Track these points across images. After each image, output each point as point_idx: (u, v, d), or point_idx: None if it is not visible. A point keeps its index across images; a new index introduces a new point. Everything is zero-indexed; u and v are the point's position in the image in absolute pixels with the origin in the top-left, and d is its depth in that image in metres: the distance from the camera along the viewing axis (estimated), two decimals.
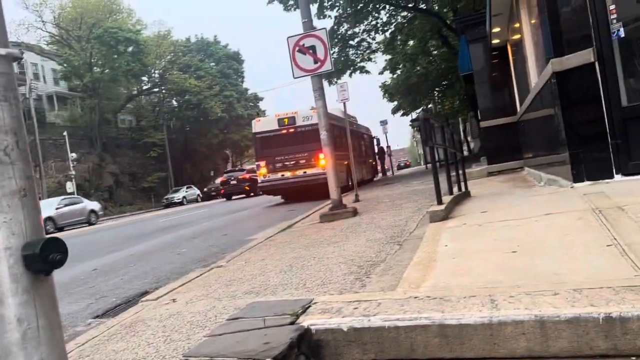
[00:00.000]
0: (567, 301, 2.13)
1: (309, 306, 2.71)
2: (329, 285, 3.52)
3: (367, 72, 31.26)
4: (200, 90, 49.48)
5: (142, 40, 45.32)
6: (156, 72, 51.22)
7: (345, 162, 15.90)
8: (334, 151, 8.40)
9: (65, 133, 37.93)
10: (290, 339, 2.27)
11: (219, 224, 12.54)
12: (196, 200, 40.43)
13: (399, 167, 63.15)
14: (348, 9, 26.69)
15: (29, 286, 1.25)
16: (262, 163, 16.80)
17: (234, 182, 29.36)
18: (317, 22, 30.38)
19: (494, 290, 2.47)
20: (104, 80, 44.07)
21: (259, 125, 17.16)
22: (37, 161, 32.58)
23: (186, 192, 41.88)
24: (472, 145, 42.00)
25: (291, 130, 16.49)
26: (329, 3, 26.38)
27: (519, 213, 4.87)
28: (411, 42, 31.49)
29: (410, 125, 47.60)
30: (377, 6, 27.54)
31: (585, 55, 5.61)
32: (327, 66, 8.19)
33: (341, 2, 26.29)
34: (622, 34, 5.44)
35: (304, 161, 16.15)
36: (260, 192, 20.08)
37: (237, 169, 34.62)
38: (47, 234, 1.35)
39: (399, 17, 29.48)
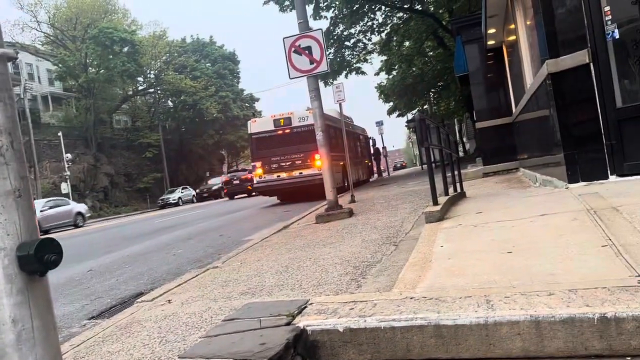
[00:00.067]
0: (562, 301, 2.14)
1: (305, 307, 2.71)
2: (324, 286, 3.52)
3: (363, 73, 31.34)
4: (196, 91, 49.41)
5: (137, 40, 45.19)
6: (152, 72, 51.11)
7: (341, 163, 15.90)
8: (329, 152, 8.41)
9: (60, 133, 37.81)
10: (286, 339, 2.27)
11: (214, 224, 12.52)
12: (191, 201, 40.40)
13: (395, 168, 63.34)
14: (344, 9, 26.74)
15: (23, 287, 1.24)
16: (258, 164, 16.79)
17: (237, 182, 30.20)
18: (313, 23, 30.34)
19: (490, 291, 2.47)
20: (99, 81, 43.91)
21: (254, 126, 17.15)
22: (31, 162, 32.44)
23: (182, 192, 41.76)
24: (467, 146, 42.13)
25: (287, 131, 16.48)
26: (325, 4, 26.44)
27: (515, 214, 4.88)
28: (407, 43, 31.57)
29: (406, 126, 47.70)
30: (373, 7, 27.61)
31: (580, 57, 5.64)
32: (323, 67, 8.19)
33: (337, 3, 26.33)
34: (616, 35, 5.47)
35: (299, 162, 16.15)
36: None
37: (240, 169, 35.28)
38: None
39: (394, 18, 29.57)
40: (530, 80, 7.95)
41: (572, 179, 5.84)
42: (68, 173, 36.02)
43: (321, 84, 18.65)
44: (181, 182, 47.70)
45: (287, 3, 25.12)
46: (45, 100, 46.62)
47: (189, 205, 35.97)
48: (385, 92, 36.77)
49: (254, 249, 6.09)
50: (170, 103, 54.31)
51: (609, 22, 5.49)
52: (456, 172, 8.24)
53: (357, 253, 4.57)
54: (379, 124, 32.42)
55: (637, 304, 1.98)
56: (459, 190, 7.76)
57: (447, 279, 2.99)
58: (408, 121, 40.10)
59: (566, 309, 2.06)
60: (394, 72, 34.50)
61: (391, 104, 39.33)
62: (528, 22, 7.80)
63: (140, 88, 53.08)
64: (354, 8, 26.46)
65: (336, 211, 7.91)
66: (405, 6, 27.29)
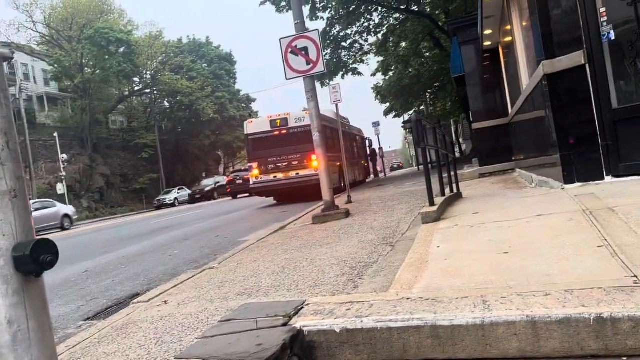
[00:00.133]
0: (559, 302, 2.14)
1: (302, 307, 2.71)
2: (321, 286, 3.52)
3: (360, 73, 31.41)
4: (192, 92, 49.30)
5: (133, 41, 45.08)
6: (148, 73, 50.97)
7: (338, 164, 15.91)
8: (326, 153, 8.41)
9: (55, 134, 37.63)
10: (283, 340, 2.27)
11: (210, 225, 12.50)
12: (187, 202, 40.36)
13: (392, 169, 63.47)
14: (340, 10, 26.77)
15: (19, 288, 1.24)
16: (255, 164, 16.78)
17: (240, 181, 30.75)
18: (309, 24, 30.38)
19: (486, 291, 2.48)
20: (95, 81, 43.76)
21: (251, 127, 17.14)
22: (27, 162, 32.32)
23: (178, 193, 41.67)
24: (464, 146, 42.24)
25: (283, 131, 16.48)
26: (322, 5, 26.45)
27: (511, 214, 4.89)
28: (403, 44, 31.63)
29: (402, 127, 47.73)
30: (370, 8, 27.65)
31: (576, 58, 5.66)
32: (320, 67, 8.20)
33: (333, 3, 26.36)
34: (612, 36, 5.49)
35: (296, 162, 16.14)
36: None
37: (242, 169, 35.71)
38: None
39: (391, 19, 29.61)
40: (526, 81, 7.97)
41: (568, 179, 5.86)
42: (64, 174, 35.88)
43: (318, 85, 18.64)
44: (177, 182, 47.57)
45: (283, 4, 25.13)
46: (40, 100, 46.42)
47: (185, 205, 35.99)
48: (381, 93, 36.80)
49: (250, 249, 6.08)
50: (166, 103, 54.20)
51: (605, 24, 5.52)
52: (452, 173, 8.26)
53: (353, 254, 4.57)
54: (376, 124, 32.41)
55: (633, 305, 1.98)
56: (455, 190, 7.77)
57: (443, 279, 2.99)
58: (404, 122, 40.12)
59: (562, 309, 2.06)
60: (391, 73, 34.57)
61: (388, 104, 39.36)
62: (524, 23, 7.82)
63: (136, 88, 52.95)
64: (351, 9, 26.49)
65: (333, 212, 7.91)
66: (402, 7, 27.33)
